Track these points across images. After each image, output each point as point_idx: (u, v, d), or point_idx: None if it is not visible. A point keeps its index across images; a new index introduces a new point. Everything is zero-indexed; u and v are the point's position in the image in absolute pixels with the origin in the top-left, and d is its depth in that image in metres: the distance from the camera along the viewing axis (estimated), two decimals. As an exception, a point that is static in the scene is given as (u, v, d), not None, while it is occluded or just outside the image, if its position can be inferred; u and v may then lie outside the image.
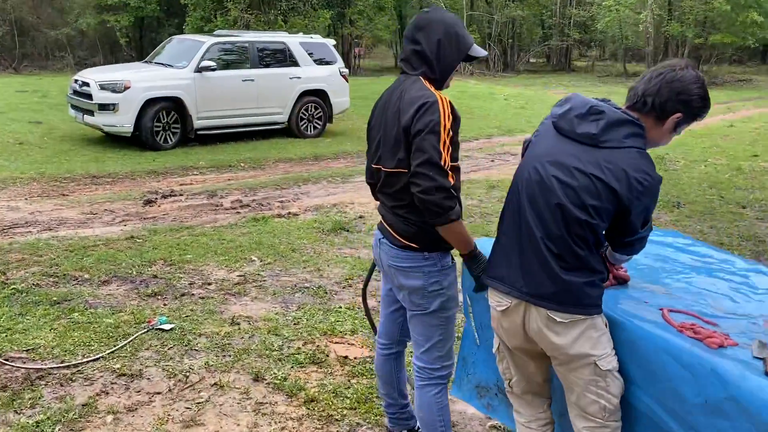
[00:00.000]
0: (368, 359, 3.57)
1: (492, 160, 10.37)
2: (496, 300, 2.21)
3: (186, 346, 3.72)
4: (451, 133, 2.27)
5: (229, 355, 3.60)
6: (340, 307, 4.31)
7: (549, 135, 2.17)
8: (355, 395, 3.21)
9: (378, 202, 2.71)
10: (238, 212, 7.00)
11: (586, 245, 2.05)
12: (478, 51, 2.46)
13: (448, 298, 2.47)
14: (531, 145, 2.23)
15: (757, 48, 39.26)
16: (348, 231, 6.28)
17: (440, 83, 2.42)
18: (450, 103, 2.30)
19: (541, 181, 2.09)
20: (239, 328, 3.95)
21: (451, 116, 2.28)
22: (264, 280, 4.87)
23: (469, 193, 7.79)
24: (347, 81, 12.59)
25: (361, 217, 6.78)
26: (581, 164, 2.03)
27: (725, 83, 29.50)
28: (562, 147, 2.10)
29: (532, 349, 2.20)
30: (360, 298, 3.50)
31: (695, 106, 2.07)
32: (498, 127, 14.01)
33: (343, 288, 4.74)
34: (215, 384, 3.30)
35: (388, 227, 2.46)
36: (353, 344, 3.75)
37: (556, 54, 38.04)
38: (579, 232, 2.03)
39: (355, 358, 3.58)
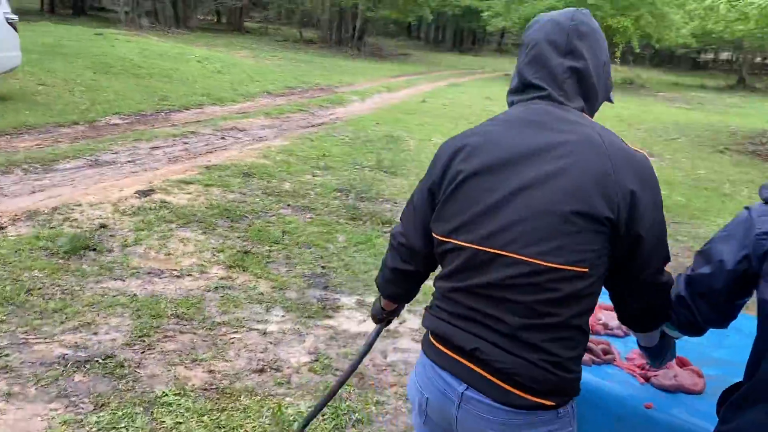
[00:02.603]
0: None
1: (223, 138, 9.10)
2: None
3: None
4: None
5: None
6: (165, 395, 2.94)
7: None
8: None
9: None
10: None
11: None
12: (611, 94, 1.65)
13: None
14: None
15: (403, 24, 43.52)
16: (95, 250, 4.62)
17: None
18: None
19: None
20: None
21: None
22: (7, 356, 3.15)
23: (223, 185, 6.56)
24: (17, 31, 9.80)
25: (103, 226, 5.08)
26: None
27: (390, 56, 31.98)
28: None
29: None
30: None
31: None
32: (206, 95, 12.55)
33: (143, 353, 3.32)
34: None
35: (493, 375, 1.39)
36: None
37: (228, 14, 36.79)
38: None
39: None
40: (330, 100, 14.38)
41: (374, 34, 34.23)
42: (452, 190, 1.48)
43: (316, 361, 3.43)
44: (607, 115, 16.38)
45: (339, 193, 6.78)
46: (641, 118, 16.81)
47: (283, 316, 3.96)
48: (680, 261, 5.50)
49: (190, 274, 4.43)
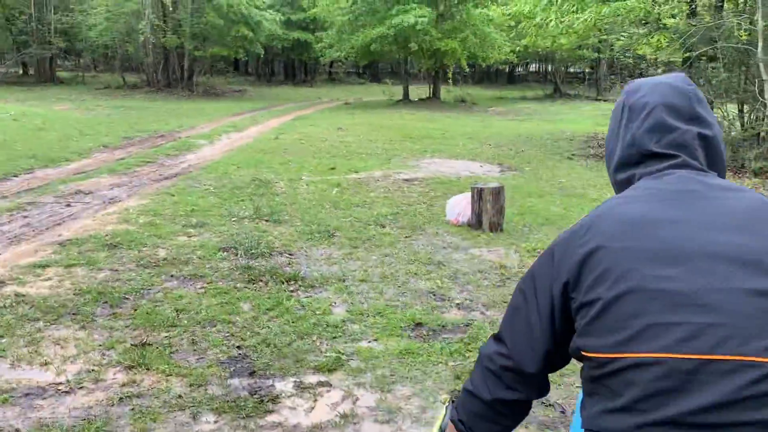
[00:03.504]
0: None
1: (69, 205, 7.94)
2: None
3: None
4: None
5: None
6: None
7: None
8: None
9: None
10: None
11: None
12: None
13: None
14: None
15: (230, 60, 42.54)
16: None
17: None
18: None
19: None
20: None
21: None
22: None
23: (88, 262, 5.60)
24: None
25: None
26: None
27: (225, 94, 30.99)
28: None
29: None
30: None
31: None
32: (33, 157, 11.09)
33: None
34: None
35: None
36: None
37: (36, 64, 33.70)
38: None
39: None
40: (176, 147, 13.40)
41: (203, 73, 33.03)
42: (613, 291, 1.12)
43: (281, 476, 2.81)
44: (456, 134, 16.87)
45: (225, 253, 6.07)
46: (485, 133, 17.49)
47: (215, 421, 3.27)
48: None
49: (82, 386, 3.57)
